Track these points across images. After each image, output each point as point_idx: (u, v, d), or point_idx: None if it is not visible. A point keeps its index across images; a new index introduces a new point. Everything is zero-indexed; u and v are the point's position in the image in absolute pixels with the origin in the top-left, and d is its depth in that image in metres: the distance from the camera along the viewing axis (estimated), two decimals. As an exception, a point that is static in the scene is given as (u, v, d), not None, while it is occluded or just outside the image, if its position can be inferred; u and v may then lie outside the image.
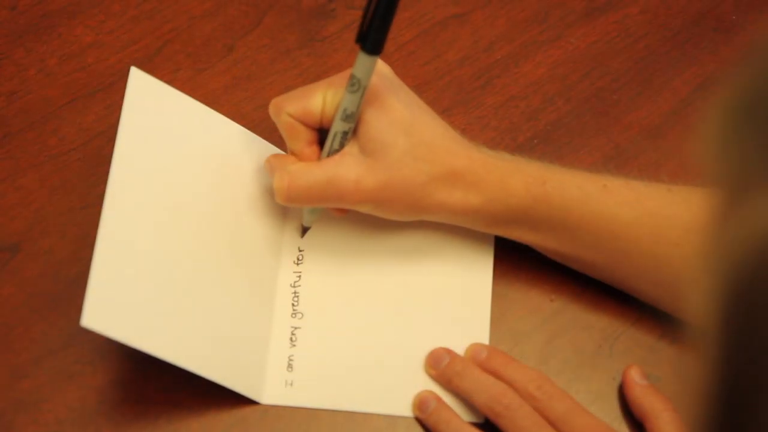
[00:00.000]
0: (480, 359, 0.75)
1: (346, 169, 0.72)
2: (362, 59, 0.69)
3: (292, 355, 0.76)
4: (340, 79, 0.72)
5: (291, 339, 0.77)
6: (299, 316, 0.78)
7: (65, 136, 0.85)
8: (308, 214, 0.79)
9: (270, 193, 0.81)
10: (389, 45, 0.90)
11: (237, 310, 0.76)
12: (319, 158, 0.73)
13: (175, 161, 0.77)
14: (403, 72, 0.89)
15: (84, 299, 0.67)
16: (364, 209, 0.74)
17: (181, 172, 0.77)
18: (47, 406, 0.74)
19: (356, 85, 0.70)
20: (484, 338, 0.77)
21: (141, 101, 0.77)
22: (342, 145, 0.72)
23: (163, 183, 0.76)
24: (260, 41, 0.91)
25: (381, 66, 0.74)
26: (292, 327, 0.77)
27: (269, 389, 0.75)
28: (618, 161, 0.86)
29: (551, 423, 0.72)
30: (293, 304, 0.78)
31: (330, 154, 0.73)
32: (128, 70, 0.78)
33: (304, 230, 0.79)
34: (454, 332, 0.77)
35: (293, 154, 0.74)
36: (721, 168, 0.37)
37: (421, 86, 0.89)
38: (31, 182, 0.83)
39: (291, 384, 0.75)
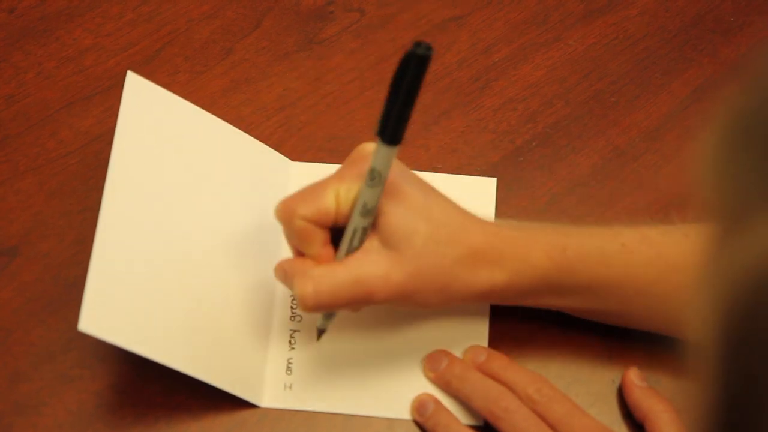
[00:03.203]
0: (479, 362, 0.75)
1: (373, 266, 0.68)
2: (383, 151, 0.65)
3: (291, 359, 0.76)
4: (350, 172, 0.69)
5: (290, 342, 0.77)
6: (298, 319, 0.78)
7: (63, 139, 0.85)
8: (324, 318, 0.74)
9: (268, 197, 0.81)
10: (387, 48, 0.91)
11: (235, 313, 0.75)
12: (335, 258, 0.70)
13: (172, 165, 0.77)
14: (401, 74, 0.89)
15: (81, 304, 0.67)
16: (391, 304, 0.70)
17: (178, 176, 0.77)
18: (46, 410, 0.74)
19: (377, 179, 0.66)
20: (482, 341, 0.77)
21: (137, 106, 0.77)
22: (362, 242, 0.69)
23: (160, 187, 0.76)
24: (259, 44, 0.91)
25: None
26: (290, 330, 0.77)
27: (268, 392, 0.75)
28: (617, 163, 0.86)
29: (551, 426, 0.71)
30: (292, 308, 0.78)
31: (349, 251, 0.69)
32: (126, 74, 0.78)
33: (320, 333, 0.75)
34: (452, 334, 0.77)
35: (310, 257, 0.70)
36: (718, 193, 0.37)
37: (419, 89, 0.89)
38: (30, 185, 0.83)
39: (290, 387, 0.75)
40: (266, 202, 0.81)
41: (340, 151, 0.76)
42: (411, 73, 0.62)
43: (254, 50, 0.91)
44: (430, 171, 0.85)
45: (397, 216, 0.68)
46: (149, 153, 0.76)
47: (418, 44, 0.61)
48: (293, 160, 0.85)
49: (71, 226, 0.81)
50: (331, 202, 0.68)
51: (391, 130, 0.64)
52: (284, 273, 0.71)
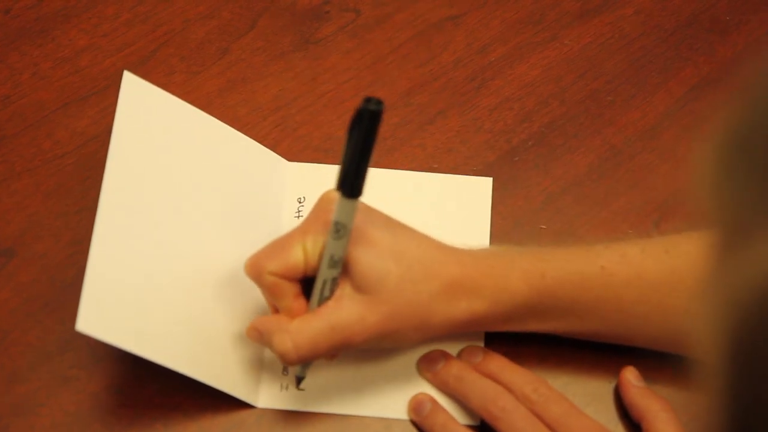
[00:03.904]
0: (475, 362, 0.75)
1: (347, 312, 0.69)
2: (344, 204, 0.66)
3: (288, 359, 0.76)
4: (314, 224, 0.70)
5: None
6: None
7: (59, 140, 0.85)
8: (302, 366, 0.74)
9: (264, 197, 0.81)
10: (383, 48, 0.91)
11: (232, 313, 0.75)
12: (307, 309, 0.70)
13: (168, 165, 0.77)
14: (397, 74, 0.89)
15: (79, 304, 0.67)
16: (371, 346, 0.71)
17: (174, 175, 0.77)
18: (43, 411, 0.74)
19: (342, 231, 0.67)
20: (479, 341, 0.77)
21: (134, 105, 0.77)
22: (332, 291, 0.69)
23: (156, 187, 0.76)
24: (255, 44, 0.91)
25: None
26: (287, 330, 0.77)
27: (265, 393, 0.75)
28: (613, 162, 0.86)
29: (548, 425, 0.71)
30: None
31: (321, 302, 0.70)
32: (122, 74, 0.78)
33: (299, 380, 0.75)
34: (449, 335, 0.77)
35: (282, 312, 0.71)
36: (716, 209, 0.37)
37: (415, 88, 0.89)
38: (26, 186, 0.83)
39: (286, 388, 0.75)
40: (262, 203, 0.81)
41: (336, 151, 0.76)
42: (364, 128, 0.63)
43: (250, 50, 0.91)
44: (426, 171, 0.85)
45: (366, 261, 0.69)
46: (146, 153, 0.77)
47: (368, 100, 0.63)
48: (289, 160, 0.85)
49: (68, 227, 0.81)
50: (298, 256, 0.69)
51: (350, 184, 0.66)
52: (258, 333, 0.71)
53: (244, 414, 0.74)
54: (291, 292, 0.70)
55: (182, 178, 0.78)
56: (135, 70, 0.79)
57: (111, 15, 0.91)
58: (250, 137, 0.83)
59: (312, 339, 0.69)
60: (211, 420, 0.74)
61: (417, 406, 0.74)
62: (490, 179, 0.85)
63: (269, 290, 0.71)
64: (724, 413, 0.36)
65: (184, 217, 0.76)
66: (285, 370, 0.76)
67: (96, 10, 0.92)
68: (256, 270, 0.70)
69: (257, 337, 0.72)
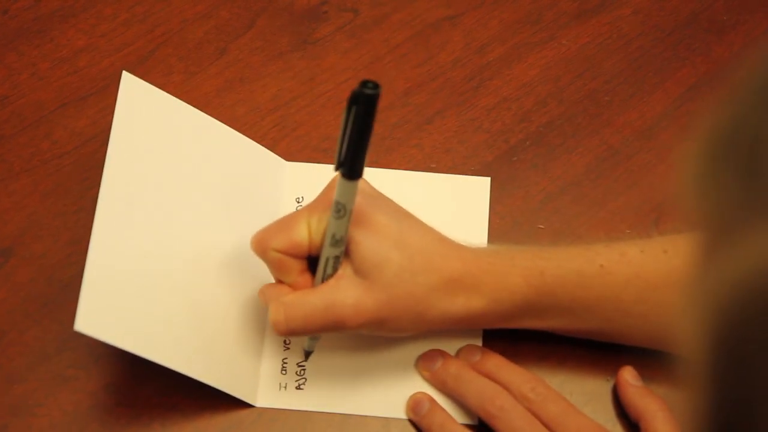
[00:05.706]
0: (473, 361, 0.75)
1: (343, 293, 0.69)
2: (344, 185, 0.66)
3: (286, 359, 0.76)
4: (320, 203, 0.71)
5: (285, 342, 0.77)
6: (293, 319, 0.78)
7: (58, 140, 0.85)
8: (310, 339, 0.75)
9: (262, 197, 0.81)
10: (381, 48, 0.91)
11: (231, 312, 0.76)
12: (312, 285, 0.71)
13: (167, 165, 0.77)
14: (395, 74, 0.89)
15: (77, 304, 0.67)
16: (365, 331, 0.71)
17: (173, 175, 0.77)
18: (41, 411, 0.74)
19: (342, 211, 0.67)
20: (477, 340, 0.77)
21: (133, 106, 0.77)
22: (335, 269, 0.70)
23: (155, 187, 0.76)
24: (253, 44, 0.91)
25: (359, 182, 0.70)
26: (285, 330, 0.77)
27: (263, 392, 0.75)
28: (611, 162, 0.86)
29: (545, 424, 0.72)
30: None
31: (324, 279, 0.70)
32: (121, 74, 0.78)
33: (307, 354, 0.76)
34: (447, 334, 0.77)
35: (288, 285, 0.72)
36: (702, 207, 0.37)
37: (413, 88, 0.89)
38: (24, 186, 0.83)
39: (285, 387, 0.75)
40: (260, 203, 0.81)
41: (334, 151, 0.76)
42: (361, 112, 0.63)
43: (248, 50, 0.91)
44: (424, 171, 0.85)
45: (367, 245, 0.69)
46: (145, 153, 0.77)
47: (365, 83, 0.62)
48: (287, 160, 0.85)
49: (66, 227, 0.81)
50: (303, 234, 0.70)
51: (349, 166, 0.65)
52: (264, 297, 0.72)
53: (242, 413, 0.74)
54: (296, 268, 0.71)
55: (180, 178, 0.78)
56: (133, 70, 0.79)
57: (109, 15, 0.92)
58: (249, 137, 0.83)
59: (305, 314, 0.70)
60: (209, 419, 0.74)
61: (415, 405, 0.74)
62: (488, 179, 0.85)
63: (274, 266, 0.71)
64: (709, 411, 0.36)
65: (182, 217, 0.77)
66: (284, 369, 0.76)
67: (94, 11, 0.92)
68: (261, 246, 0.71)
69: (263, 300, 0.73)
